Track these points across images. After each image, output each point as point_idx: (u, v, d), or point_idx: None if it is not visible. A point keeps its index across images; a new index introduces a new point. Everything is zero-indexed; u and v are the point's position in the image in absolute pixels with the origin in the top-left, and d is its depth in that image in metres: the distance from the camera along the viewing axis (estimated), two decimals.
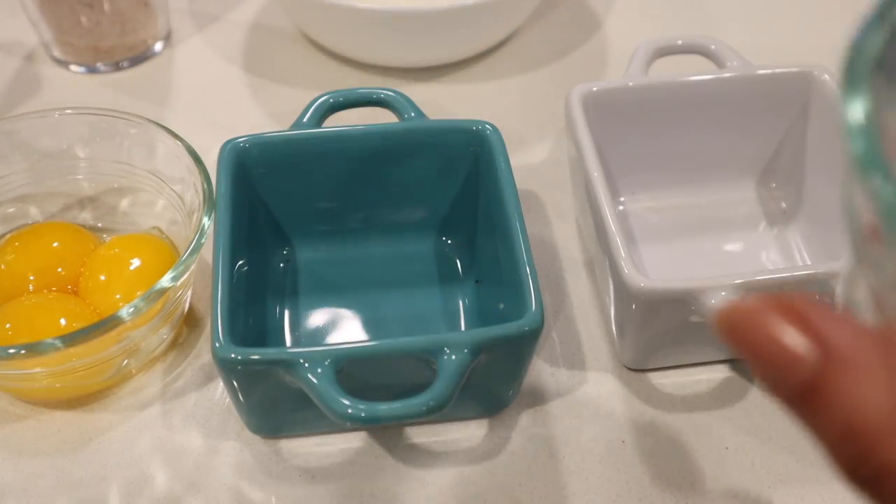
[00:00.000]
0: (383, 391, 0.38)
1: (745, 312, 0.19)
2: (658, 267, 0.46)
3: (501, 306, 0.41)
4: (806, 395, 0.18)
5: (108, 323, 0.37)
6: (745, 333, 0.19)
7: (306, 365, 0.35)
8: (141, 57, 0.59)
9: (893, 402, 0.18)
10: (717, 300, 0.37)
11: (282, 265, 0.46)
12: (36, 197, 0.48)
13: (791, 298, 0.19)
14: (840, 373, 0.18)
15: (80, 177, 0.48)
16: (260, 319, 0.43)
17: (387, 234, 0.47)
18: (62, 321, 0.41)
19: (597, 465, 0.40)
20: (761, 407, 0.42)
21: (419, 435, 0.41)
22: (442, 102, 0.57)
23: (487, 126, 0.44)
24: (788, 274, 0.39)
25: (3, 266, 0.44)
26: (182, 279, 0.39)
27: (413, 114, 0.45)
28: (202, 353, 0.44)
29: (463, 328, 0.44)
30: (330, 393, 0.34)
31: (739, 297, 0.19)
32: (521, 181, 0.46)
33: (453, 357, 0.35)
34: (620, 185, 0.49)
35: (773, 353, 0.19)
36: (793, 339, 0.19)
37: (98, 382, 0.42)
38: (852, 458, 0.18)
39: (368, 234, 0.47)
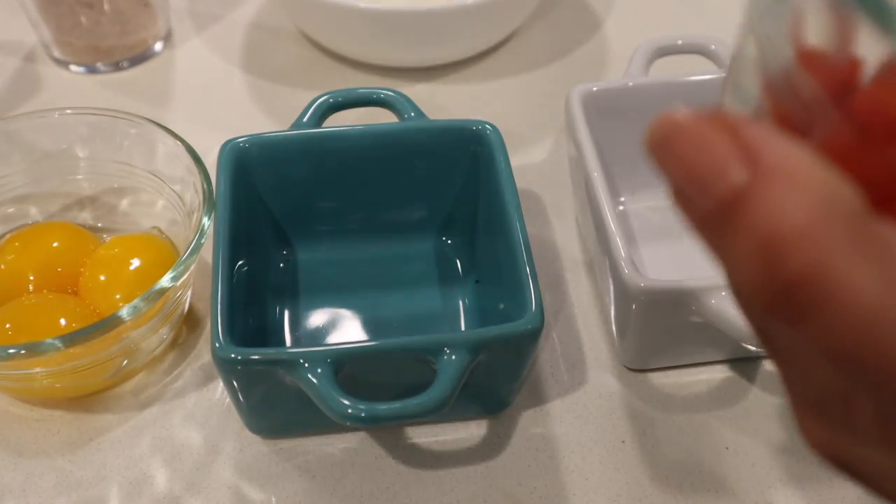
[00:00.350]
0: (383, 391, 0.38)
1: (675, 124, 0.19)
2: (658, 267, 0.46)
3: (501, 306, 0.41)
4: (726, 209, 0.17)
5: (108, 323, 0.37)
6: (672, 146, 0.18)
7: (306, 365, 0.35)
8: (141, 57, 0.59)
9: (817, 212, 0.17)
10: (717, 300, 0.37)
11: (282, 265, 0.46)
12: (36, 197, 0.48)
13: (726, 113, 0.18)
14: (766, 184, 0.17)
15: (80, 177, 0.48)
16: (260, 319, 0.43)
17: (387, 234, 0.47)
18: (62, 321, 0.41)
19: (597, 465, 0.40)
20: (761, 407, 0.42)
21: (419, 435, 0.41)
22: (442, 102, 0.57)
23: (487, 126, 0.44)
24: None
25: (3, 266, 0.44)
26: (182, 279, 0.39)
27: (413, 114, 0.45)
28: (202, 353, 0.44)
29: (463, 328, 0.44)
30: (330, 393, 0.34)
31: (668, 112, 0.19)
32: (521, 181, 0.46)
33: (453, 357, 0.35)
34: (620, 185, 0.49)
35: (698, 163, 0.18)
36: (722, 149, 0.18)
37: (98, 382, 0.42)
38: (763, 270, 0.17)
39: (368, 234, 0.46)
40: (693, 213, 0.18)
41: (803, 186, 0.17)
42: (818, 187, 0.17)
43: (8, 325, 0.41)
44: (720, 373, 0.43)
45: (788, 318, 0.17)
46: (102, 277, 0.43)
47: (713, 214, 0.18)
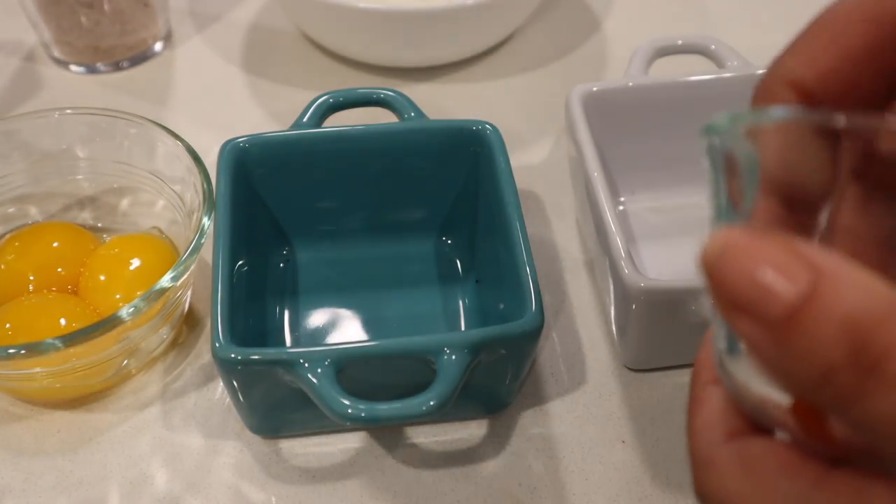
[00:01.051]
0: (383, 391, 0.38)
1: (730, 240, 0.19)
2: (658, 267, 0.46)
3: (501, 306, 0.41)
4: (798, 310, 0.18)
5: (108, 323, 0.37)
6: (730, 259, 0.19)
7: (306, 365, 0.35)
8: (141, 57, 0.59)
9: (889, 298, 0.18)
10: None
11: (282, 265, 0.46)
12: (36, 197, 0.48)
13: (773, 233, 0.19)
14: (833, 282, 0.18)
15: (80, 177, 0.48)
16: (260, 319, 0.43)
17: (387, 234, 0.47)
18: (62, 321, 0.41)
19: (597, 465, 0.40)
20: None
21: (419, 435, 0.41)
22: (442, 102, 0.57)
23: (487, 126, 0.44)
24: None
25: (3, 266, 0.44)
26: (182, 279, 0.39)
27: (413, 114, 0.45)
28: (202, 353, 0.44)
29: (463, 328, 0.44)
30: (330, 393, 0.34)
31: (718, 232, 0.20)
32: (521, 181, 0.46)
33: (453, 357, 0.35)
34: (620, 185, 0.49)
35: (761, 273, 0.18)
36: (783, 257, 0.18)
37: (98, 382, 0.42)
38: (849, 351, 0.18)
39: (368, 234, 0.47)
40: (755, 325, 0.19)
41: (865, 281, 0.18)
42: (877, 282, 0.18)
43: (8, 325, 0.41)
44: None
45: (882, 388, 0.18)
46: (102, 277, 0.43)
47: (783, 318, 0.18)
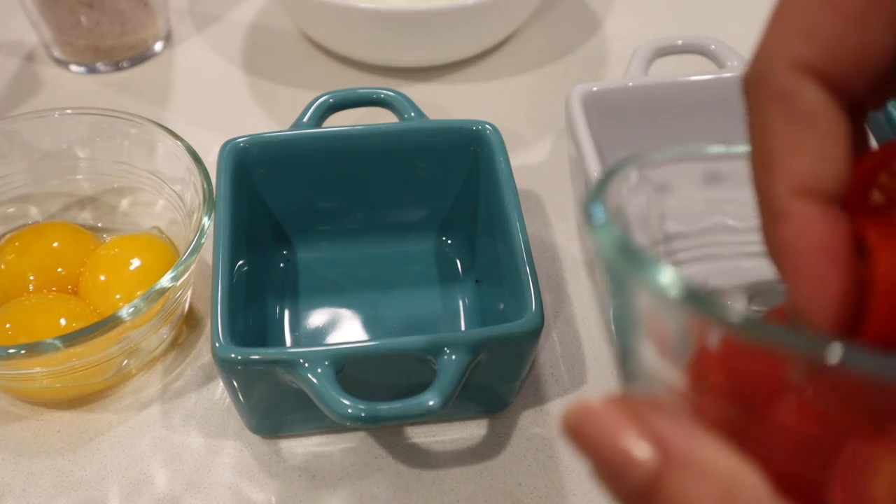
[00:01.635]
0: (383, 391, 0.38)
1: (588, 413, 0.20)
2: None
3: (501, 306, 0.41)
4: (644, 495, 0.19)
5: (108, 323, 0.37)
6: (587, 435, 0.19)
7: (306, 365, 0.35)
8: (141, 57, 0.59)
9: (720, 498, 0.18)
10: None
11: (282, 265, 0.46)
12: (36, 197, 0.48)
13: (630, 400, 0.20)
14: (675, 475, 0.19)
15: (80, 177, 0.48)
16: (260, 319, 0.43)
17: (387, 234, 0.47)
18: (62, 321, 0.41)
19: None
20: None
21: (419, 435, 0.41)
22: (442, 102, 0.57)
23: (487, 126, 0.44)
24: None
25: (3, 266, 0.44)
26: (182, 279, 0.39)
27: (413, 114, 0.45)
28: (202, 353, 0.44)
29: (463, 328, 0.44)
30: (330, 393, 0.34)
31: (582, 400, 0.20)
32: (521, 181, 0.47)
33: (453, 357, 0.35)
34: None
35: (614, 454, 0.19)
36: (633, 441, 0.19)
37: (98, 382, 0.42)
38: None
39: (368, 234, 0.47)
40: (617, 493, 0.20)
41: (709, 477, 0.18)
42: (722, 476, 0.18)
43: (8, 325, 0.41)
44: None
45: None
46: (102, 277, 0.43)
47: (636, 498, 0.19)
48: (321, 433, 0.41)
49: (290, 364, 0.35)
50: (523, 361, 0.39)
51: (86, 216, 0.48)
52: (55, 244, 0.45)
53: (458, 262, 0.46)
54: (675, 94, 0.47)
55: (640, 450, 0.19)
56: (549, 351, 0.44)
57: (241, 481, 0.39)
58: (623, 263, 0.20)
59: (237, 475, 0.40)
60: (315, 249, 0.46)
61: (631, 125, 0.47)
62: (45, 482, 0.39)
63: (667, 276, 0.19)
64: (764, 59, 0.21)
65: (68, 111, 0.46)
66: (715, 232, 0.29)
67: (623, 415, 0.19)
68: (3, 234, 0.46)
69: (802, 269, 0.19)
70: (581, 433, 0.20)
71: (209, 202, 0.41)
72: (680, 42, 0.49)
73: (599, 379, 0.43)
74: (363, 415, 0.33)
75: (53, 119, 0.46)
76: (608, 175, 0.23)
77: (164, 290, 0.39)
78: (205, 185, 0.42)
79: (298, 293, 0.45)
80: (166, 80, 0.59)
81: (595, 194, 0.22)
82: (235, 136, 0.43)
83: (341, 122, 0.45)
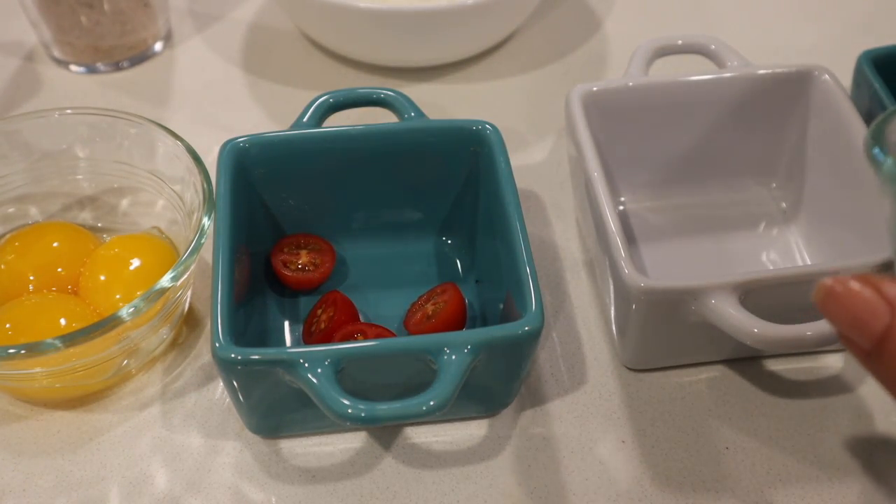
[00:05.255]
0: (383, 391, 0.38)
1: (839, 281, 0.27)
2: (658, 267, 0.46)
3: (501, 306, 0.41)
4: (880, 345, 0.26)
5: (108, 323, 0.37)
6: (833, 300, 0.27)
7: (306, 365, 0.35)
8: (141, 57, 0.59)
9: None
10: (717, 300, 0.37)
11: None
12: (36, 197, 0.48)
13: (870, 275, 0.27)
14: None
15: (80, 177, 0.48)
16: (260, 319, 0.43)
17: (387, 234, 0.47)
18: (62, 321, 0.41)
19: (597, 465, 0.40)
20: (761, 407, 0.42)
21: (419, 435, 0.41)
22: (442, 102, 0.57)
23: (487, 126, 0.44)
24: (788, 272, 0.39)
25: (3, 266, 0.44)
26: (182, 279, 0.40)
27: (413, 114, 0.45)
28: (202, 353, 0.44)
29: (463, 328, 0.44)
30: (330, 393, 0.34)
31: (832, 276, 0.27)
32: (521, 181, 0.47)
33: (453, 357, 0.35)
34: (620, 185, 0.49)
35: (854, 312, 0.26)
36: (872, 300, 0.26)
37: (98, 382, 0.42)
38: None
39: (368, 234, 0.47)
40: (857, 350, 0.27)
41: None
42: None
43: (8, 325, 0.41)
44: (720, 373, 0.43)
45: None
46: (102, 277, 0.43)
47: (873, 348, 0.26)
48: (321, 433, 0.41)
49: (290, 364, 0.35)
50: (523, 361, 0.39)
51: (86, 216, 0.48)
52: (55, 244, 0.45)
53: (458, 262, 0.46)
54: (675, 94, 0.47)
55: (879, 305, 0.26)
56: (549, 351, 0.44)
57: (240, 481, 0.39)
58: None
59: (237, 475, 0.40)
60: None
61: (631, 125, 0.47)
62: (45, 482, 0.39)
63: None
64: None
65: (68, 111, 0.46)
66: None
67: (867, 284, 0.26)
68: (3, 234, 0.46)
69: None
70: (834, 293, 0.27)
71: (209, 202, 0.41)
72: (680, 42, 0.49)
73: (599, 379, 0.43)
74: (363, 415, 0.33)
75: (53, 119, 0.46)
76: (882, 120, 0.30)
77: (164, 291, 0.39)
78: (205, 185, 0.42)
79: (298, 293, 0.45)
80: (166, 80, 0.59)
81: (872, 139, 0.29)
82: (235, 136, 0.43)
83: (341, 122, 0.45)
